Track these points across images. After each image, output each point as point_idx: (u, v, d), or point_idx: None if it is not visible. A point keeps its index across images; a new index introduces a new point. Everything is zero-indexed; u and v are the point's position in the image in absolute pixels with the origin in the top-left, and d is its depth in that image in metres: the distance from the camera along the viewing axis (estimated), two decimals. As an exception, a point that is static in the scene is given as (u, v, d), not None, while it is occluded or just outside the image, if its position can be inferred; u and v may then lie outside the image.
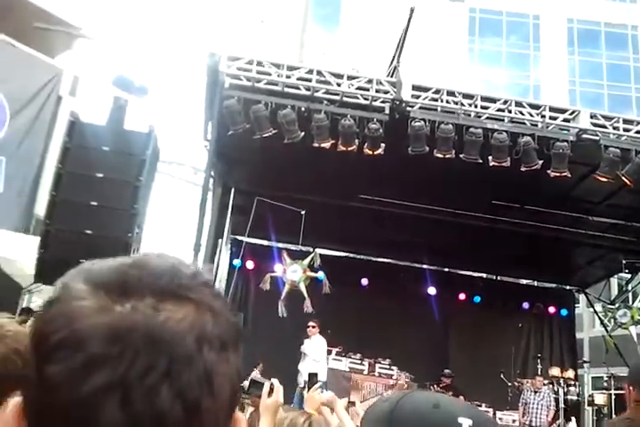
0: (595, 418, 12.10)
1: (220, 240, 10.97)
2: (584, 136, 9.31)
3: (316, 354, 10.34)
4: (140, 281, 0.57)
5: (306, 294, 10.50)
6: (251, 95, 8.85)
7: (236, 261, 12.48)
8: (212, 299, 0.59)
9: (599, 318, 14.15)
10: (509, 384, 12.22)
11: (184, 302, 0.56)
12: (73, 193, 7.15)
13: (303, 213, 10.19)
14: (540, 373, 12.12)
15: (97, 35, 12.56)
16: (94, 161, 7.13)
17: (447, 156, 8.75)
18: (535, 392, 11.26)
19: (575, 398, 11.79)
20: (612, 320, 12.46)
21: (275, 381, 2.56)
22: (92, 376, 0.51)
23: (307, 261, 10.74)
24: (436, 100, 9.22)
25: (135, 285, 0.57)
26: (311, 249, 11.40)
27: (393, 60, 9.91)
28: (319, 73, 9.06)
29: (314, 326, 10.53)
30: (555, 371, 12.18)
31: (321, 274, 10.98)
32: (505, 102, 9.41)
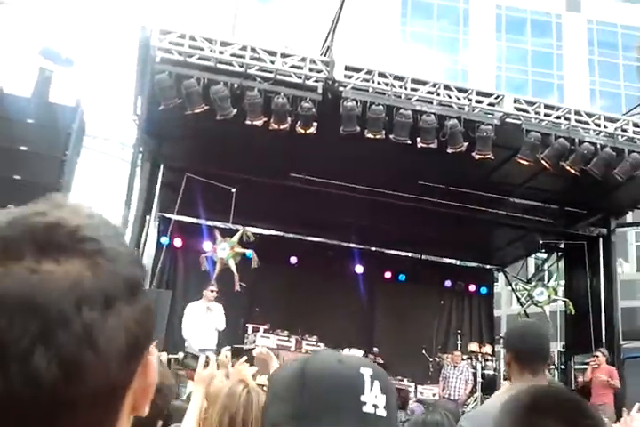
0: (510, 391, 12.69)
1: (147, 217, 10.80)
2: (507, 120, 9.65)
3: (219, 324, 9.63)
4: (20, 239, 0.56)
5: (235, 271, 10.50)
6: (182, 70, 8.70)
7: (164, 239, 12.32)
8: (97, 253, 0.57)
9: (516, 296, 14.80)
10: (430, 359, 12.62)
11: (65, 259, 0.55)
12: (-5, 166, 6.90)
13: (234, 190, 10.15)
14: (459, 348, 12.58)
15: (16, 1, 11.96)
16: (18, 134, 6.89)
17: (378, 136, 8.90)
18: (455, 367, 11.64)
19: (492, 372, 12.32)
20: (529, 298, 13.01)
21: (210, 354, 2.62)
22: None
23: (235, 237, 10.73)
24: (368, 81, 9.32)
25: (14, 243, 0.55)
26: (240, 227, 11.40)
27: (326, 39, 9.94)
28: (253, 50, 8.99)
29: (213, 291, 9.72)
30: (473, 346, 12.66)
31: (249, 251, 10.98)
32: (434, 85, 9.61)
